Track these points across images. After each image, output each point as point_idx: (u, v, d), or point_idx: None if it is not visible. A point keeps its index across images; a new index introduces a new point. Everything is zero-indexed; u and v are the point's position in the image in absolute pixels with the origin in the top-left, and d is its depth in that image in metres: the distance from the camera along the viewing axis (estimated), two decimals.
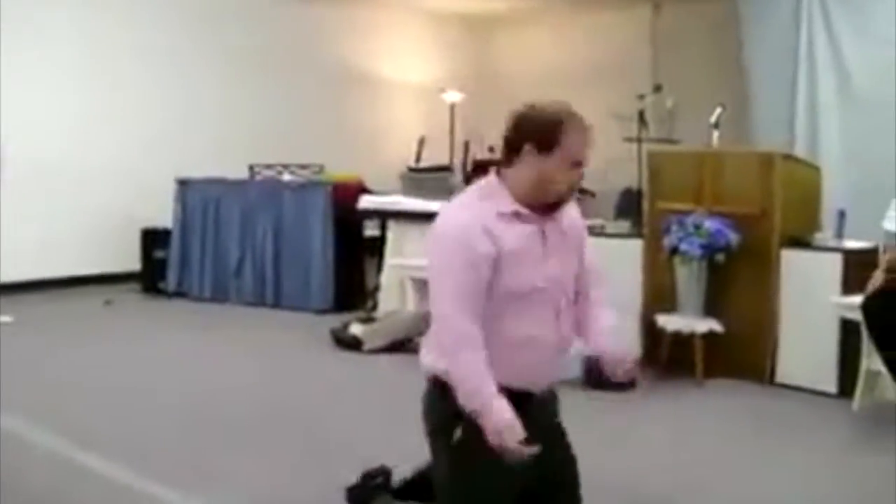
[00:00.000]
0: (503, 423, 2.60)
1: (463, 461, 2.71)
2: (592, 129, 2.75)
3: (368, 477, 4.22)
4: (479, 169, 11.37)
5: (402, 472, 4.25)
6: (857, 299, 5.53)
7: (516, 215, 2.70)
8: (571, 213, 2.88)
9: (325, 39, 11.89)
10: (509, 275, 2.67)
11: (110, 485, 4.55)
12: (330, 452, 5.02)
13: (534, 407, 2.76)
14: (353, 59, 12.19)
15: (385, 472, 4.24)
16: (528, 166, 2.70)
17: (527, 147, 2.70)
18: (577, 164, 2.71)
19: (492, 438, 2.61)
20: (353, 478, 4.23)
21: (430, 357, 2.78)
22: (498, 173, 2.77)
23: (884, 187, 5.70)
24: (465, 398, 2.66)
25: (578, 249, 2.88)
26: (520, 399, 2.70)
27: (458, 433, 2.70)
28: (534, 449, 2.61)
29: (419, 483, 4.06)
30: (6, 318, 8.13)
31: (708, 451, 5.19)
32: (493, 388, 2.63)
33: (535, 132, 2.69)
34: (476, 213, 2.70)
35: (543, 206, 2.74)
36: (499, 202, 2.71)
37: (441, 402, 2.74)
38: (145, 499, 4.41)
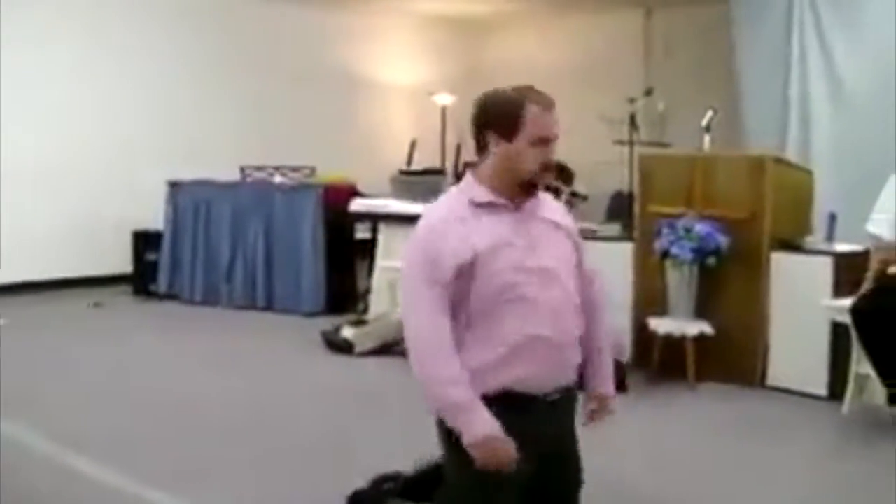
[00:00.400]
0: (483, 435, 2.59)
1: (468, 463, 2.65)
2: (555, 105, 2.71)
3: (380, 482, 4.19)
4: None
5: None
6: (848, 302, 5.55)
7: (491, 205, 2.68)
8: (561, 212, 2.86)
9: (316, 43, 11.88)
10: (492, 267, 2.63)
11: (103, 489, 4.54)
12: (322, 455, 5.02)
13: (539, 411, 2.70)
14: (344, 61, 12.19)
15: (397, 478, 4.21)
16: (496, 154, 2.70)
17: (490, 136, 2.69)
18: (544, 142, 2.68)
19: (472, 454, 2.60)
20: (346, 480, 4.22)
21: None
22: (473, 168, 2.77)
23: (875, 191, 5.70)
24: (443, 413, 2.65)
25: (575, 250, 2.83)
26: (523, 403, 2.66)
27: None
28: (517, 461, 2.61)
29: (421, 482, 4.05)
30: (1, 321, 8.10)
31: (698, 454, 5.19)
32: (468, 396, 2.60)
33: (496, 119, 2.68)
34: (450, 206, 2.70)
35: (520, 193, 2.71)
36: (473, 193, 2.70)
37: None
38: (138, 502, 4.40)
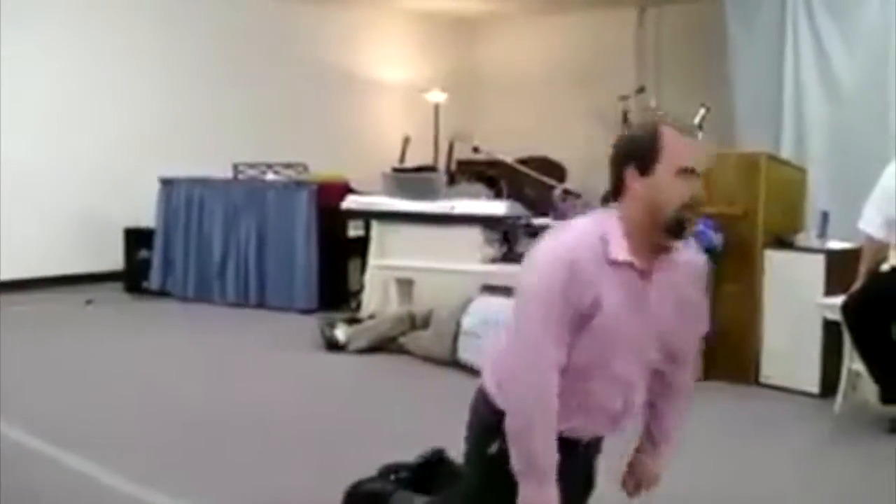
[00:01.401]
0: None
1: (492, 474, 2.65)
2: (696, 134, 2.58)
3: (387, 472, 4.16)
4: (463, 168, 11.39)
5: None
6: (840, 300, 5.56)
7: (630, 266, 2.50)
8: (692, 282, 2.68)
9: (309, 40, 11.87)
10: (606, 337, 2.51)
11: (100, 486, 4.53)
12: (318, 452, 5.01)
13: (575, 453, 2.69)
14: (337, 58, 12.18)
15: (405, 467, 4.17)
16: (636, 193, 2.50)
17: (628, 172, 2.51)
18: (688, 172, 2.46)
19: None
20: (343, 477, 4.20)
21: (494, 386, 2.67)
22: (613, 205, 2.58)
23: (867, 189, 5.73)
24: (520, 461, 2.55)
25: (685, 330, 2.71)
26: (566, 444, 2.62)
27: (494, 447, 2.65)
28: None
29: (424, 472, 4.01)
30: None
31: (690, 452, 5.17)
32: (553, 465, 2.54)
33: (633, 153, 2.50)
34: (588, 246, 2.49)
35: (663, 239, 2.50)
36: (613, 245, 2.49)
37: (485, 410, 2.69)
38: (131, 501, 4.39)
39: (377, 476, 4.09)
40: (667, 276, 2.57)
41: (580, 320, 2.48)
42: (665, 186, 2.46)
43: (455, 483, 3.01)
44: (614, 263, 2.48)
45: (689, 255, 2.63)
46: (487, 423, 2.68)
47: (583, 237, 2.52)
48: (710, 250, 6.26)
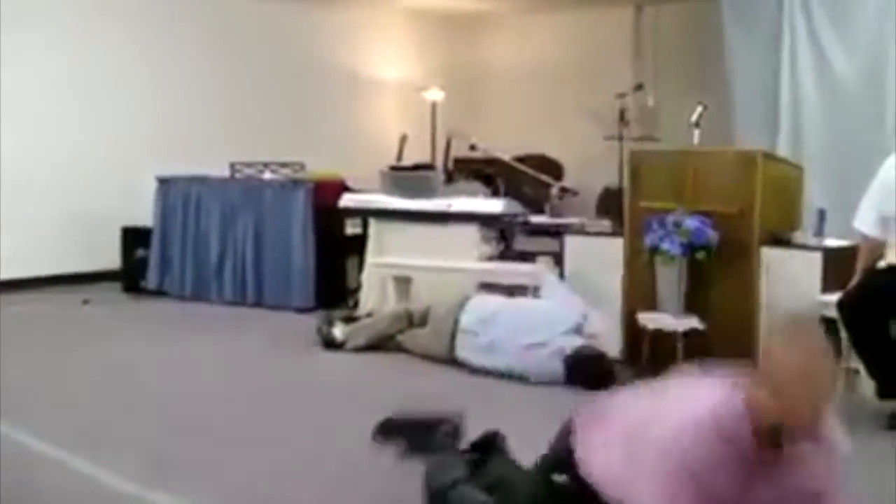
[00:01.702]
0: None
1: (549, 496, 2.70)
2: (820, 353, 2.33)
3: (438, 423, 3.99)
4: (461, 166, 11.41)
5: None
6: (836, 297, 5.57)
7: (759, 464, 2.40)
8: (816, 465, 2.59)
9: (305, 39, 11.87)
10: (699, 495, 2.43)
11: (97, 487, 4.53)
12: (320, 450, 5.01)
13: None
14: (333, 57, 12.18)
15: (454, 424, 4.03)
16: (742, 401, 2.44)
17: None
18: (781, 386, 2.31)
19: None
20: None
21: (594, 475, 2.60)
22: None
23: (865, 187, 5.74)
24: None
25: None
26: None
27: (562, 477, 2.69)
28: None
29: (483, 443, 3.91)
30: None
31: None
32: None
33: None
34: (715, 448, 2.40)
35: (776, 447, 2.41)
36: (742, 436, 2.39)
37: (567, 455, 2.73)
38: (130, 500, 4.39)
39: (427, 424, 3.93)
40: (786, 469, 2.48)
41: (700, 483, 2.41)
42: (755, 398, 2.38)
43: (506, 472, 3.00)
44: (732, 441, 2.40)
45: (818, 457, 2.54)
46: (563, 459, 2.72)
47: (718, 404, 2.44)
48: (705, 247, 6.28)
